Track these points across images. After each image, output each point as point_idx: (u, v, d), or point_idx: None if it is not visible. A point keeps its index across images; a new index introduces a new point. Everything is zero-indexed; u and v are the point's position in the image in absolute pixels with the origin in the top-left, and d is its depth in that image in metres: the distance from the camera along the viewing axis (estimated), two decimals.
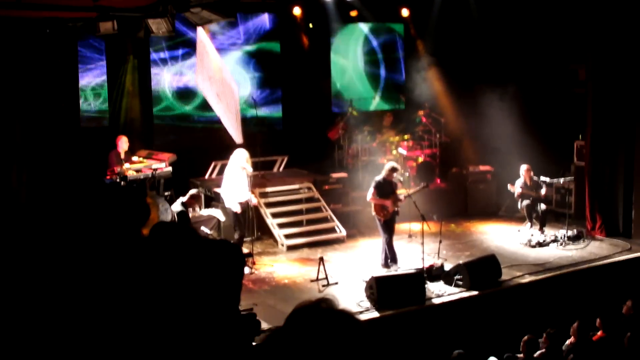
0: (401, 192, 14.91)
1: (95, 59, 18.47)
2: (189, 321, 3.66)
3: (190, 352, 3.63)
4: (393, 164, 14.94)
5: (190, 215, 14.72)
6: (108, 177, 15.70)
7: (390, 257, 14.61)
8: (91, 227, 5.11)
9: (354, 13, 20.61)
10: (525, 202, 17.17)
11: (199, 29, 16.41)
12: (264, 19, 20.71)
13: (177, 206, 13.96)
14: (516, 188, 17.26)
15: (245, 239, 15.55)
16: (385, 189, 14.52)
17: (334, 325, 2.58)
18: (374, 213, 14.69)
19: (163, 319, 3.69)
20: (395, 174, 14.69)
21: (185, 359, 3.65)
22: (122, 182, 15.25)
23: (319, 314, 2.61)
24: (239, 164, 15.06)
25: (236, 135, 16.15)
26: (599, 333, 11.46)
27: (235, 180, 15.05)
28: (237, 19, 13.93)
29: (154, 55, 19.34)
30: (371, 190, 14.57)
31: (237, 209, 15.02)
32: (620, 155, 17.47)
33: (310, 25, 20.66)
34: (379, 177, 14.66)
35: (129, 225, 5.25)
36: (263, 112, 20.44)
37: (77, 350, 4.29)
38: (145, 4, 13.43)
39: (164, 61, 19.58)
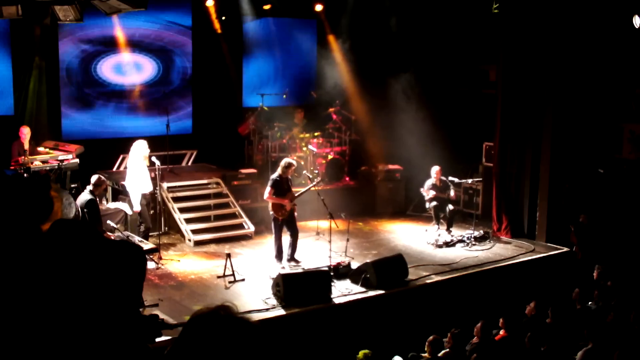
0: (297, 190, 14.83)
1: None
2: (86, 322, 3.53)
3: (86, 354, 3.51)
4: (289, 160, 14.80)
5: (99, 205, 14.42)
6: (12, 168, 15.27)
7: (276, 253, 14.63)
8: None
9: (267, 7, 20.50)
10: (434, 202, 17.33)
11: None
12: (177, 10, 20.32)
13: (85, 195, 13.65)
14: (429, 192, 17.40)
15: (152, 234, 15.36)
16: (282, 186, 14.43)
17: (232, 332, 2.51)
18: (271, 212, 14.59)
19: (59, 319, 3.56)
20: (291, 171, 14.63)
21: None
22: (25, 174, 14.85)
23: (217, 322, 2.54)
24: (141, 154, 14.93)
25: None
26: (502, 333, 11.63)
27: (138, 172, 14.90)
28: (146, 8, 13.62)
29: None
30: (268, 188, 14.45)
31: (138, 207, 15.03)
32: (528, 158, 17.77)
33: (223, 18, 20.40)
34: (275, 175, 14.55)
35: (29, 219, 5.03)
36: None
37: None
38: None
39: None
